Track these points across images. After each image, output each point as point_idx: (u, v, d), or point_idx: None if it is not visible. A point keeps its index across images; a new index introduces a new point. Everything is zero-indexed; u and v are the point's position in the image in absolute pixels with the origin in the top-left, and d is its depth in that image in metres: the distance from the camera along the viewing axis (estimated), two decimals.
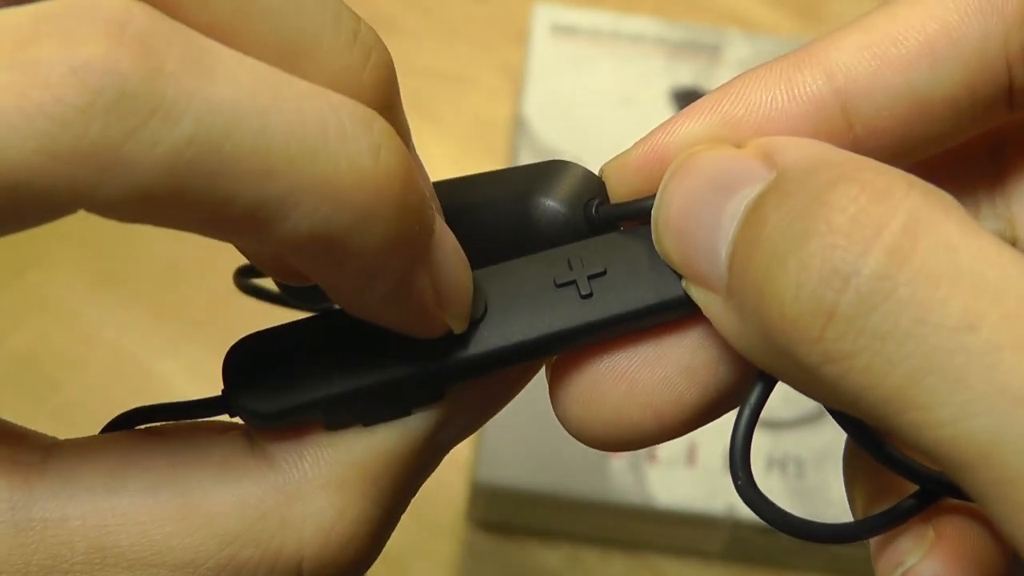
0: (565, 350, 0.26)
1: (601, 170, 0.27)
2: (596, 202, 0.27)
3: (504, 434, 0.53)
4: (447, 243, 0.24)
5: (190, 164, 0.19)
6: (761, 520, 0.25)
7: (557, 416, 0.27)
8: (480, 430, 0.54)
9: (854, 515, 0.27)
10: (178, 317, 0.58)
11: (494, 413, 0.27)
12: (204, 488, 0.24)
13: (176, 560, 0.24)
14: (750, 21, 0.68)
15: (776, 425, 0.54)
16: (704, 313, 0.24)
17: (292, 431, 0.25)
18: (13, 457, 0.24)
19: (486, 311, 0.25)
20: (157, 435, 0.25)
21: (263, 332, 0.26)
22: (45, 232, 0.23)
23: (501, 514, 0.56)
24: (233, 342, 0.25)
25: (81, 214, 0.20)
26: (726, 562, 0.56)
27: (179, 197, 0.20)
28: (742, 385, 0.25)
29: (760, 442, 0.54)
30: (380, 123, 0.21)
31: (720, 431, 0.55)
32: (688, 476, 0.53)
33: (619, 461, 0.54)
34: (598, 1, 0.66)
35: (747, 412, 0.25)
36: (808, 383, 0.22)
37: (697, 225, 0.24)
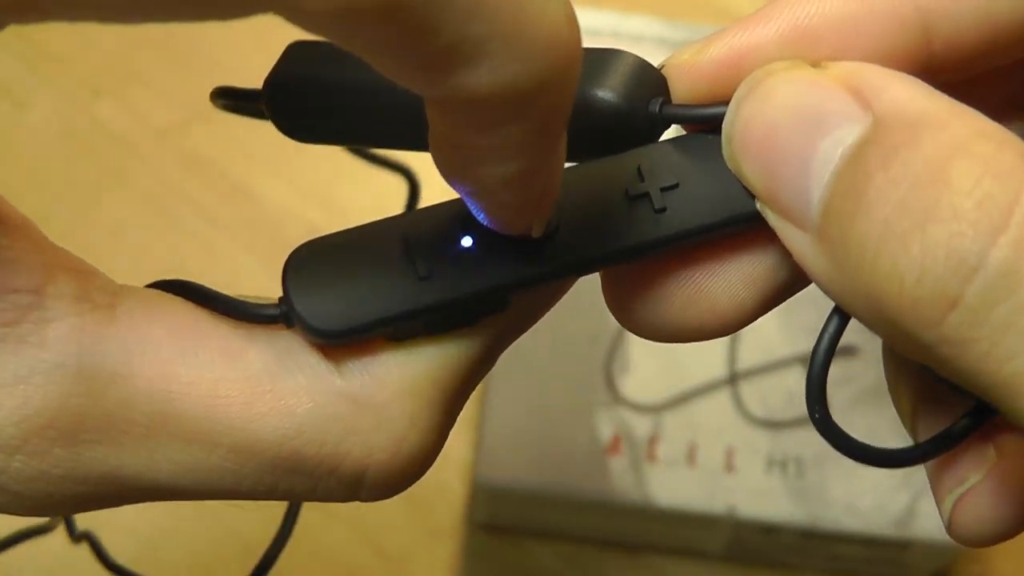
0: (636, 260, 0.26)
1: (662, 66, 0.26)
2: (660, 101, 0.26)
3: (504, 434, 0.53)
4: (565, 139, 0.23)
5: None
6: (830, 444, 0.25)
7: (612, 311, 0.27)
8: (480, 430, 0.54)
9: (909, 432, 0.28)
10: None
11: (547, 311, 0.27)
12: (273, 377, 0.23)
13: (234, 442, 0.23)
14: None
15: (776, 425, 0.54)
16: (780, 238, 0.24)
17: (356, 343, 0.24)
18: (87, 295, 0.22)
19: (558, 220, 0.24)
20: (220, 316, 0.24)
21: (326, 238, 0.25)
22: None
23: (501, 514, 0.56)
24: None
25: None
26: (726, 562, 0.56)
27: (386, 18, 0.19)
28: (796, 280, 0.26)
29: (760, 442, 0.54)
30: (570, 2, 0.21)
31: (720, 431, 0.55)
32: (688, 476, 0.53)
33: (619, 461, 0.54)
34: (598, 1, 0.66)
35: (824, 345, 0.24)
36: (904, 344, 0.22)
37: (783, 159, 0.23)
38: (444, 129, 0.22)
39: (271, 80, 0.28)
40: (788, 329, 0.56)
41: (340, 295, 0.24)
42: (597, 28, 0.63)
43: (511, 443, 0.53)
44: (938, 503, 0.26)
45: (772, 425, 0.54)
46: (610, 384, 0.55)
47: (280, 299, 0.24)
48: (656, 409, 0.55)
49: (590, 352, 0.56)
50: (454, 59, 0.19)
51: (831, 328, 0.24)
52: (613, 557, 0.56)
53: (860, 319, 0.23)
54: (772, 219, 0.24)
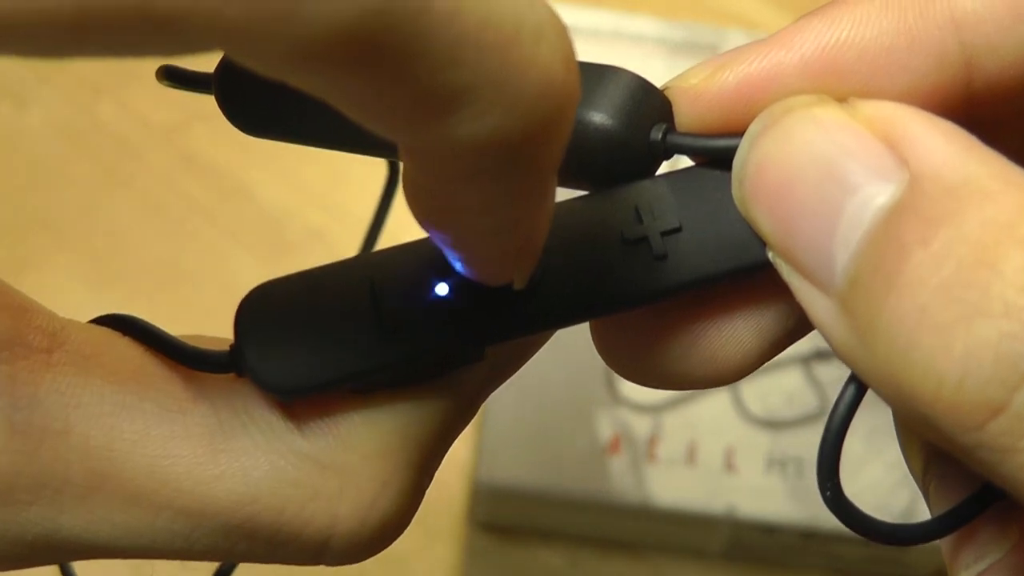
0: (629, 310, 0.23)
1: (666, 88, 0.23)
2: (664, 128, 0.23)
3: (504, 434, 0.53)
4: (555, 186, 0.20)
5: (373, 36, 0.16)
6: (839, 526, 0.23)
7: (601, 355, 0.24)
8: (480, 430, 0.54)
9: (921, 490, 0.26)
10: (178, 318, 0.58)
11: (528, 359, 0.25)
12: (227, 435, 0.21)
13: (183, 505, 0.21)
14: (750, 21, 0.68)
15: (776, 425, 0.54)
16: (795, 295, 0.21)
17: (318, 397, 0.22)
18: (21, 338, 0.20)
19: (544, 266, 0.22)
20: (169, 361, 0.22)
21: (285, 280, 0.22)
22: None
23: (501, 514, 0.56)
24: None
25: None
26: (726, 562, 0.56)
27: (354, 63, 0.16)
28: (804, 324, 0.23)
29: (760, 442, 0.54)
30: (569, 35, 0.18)
31: (720, 431, 0.55)
32: (688, 476, 0.53)
33: (619, 461, 0.54)
34: (598, 1, 0.66)
35: (839, 417, 0.22)
36: (933, 436, 0.20)
37: (803, 215, 0.20)
38: (419, 177, 0.19)
39: (224, 64, 0.25)
40: None
41: (298, 347, 0.21)
42: (597, 28, 0.63)
43: (511, 443, 0.53)
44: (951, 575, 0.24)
45: (772, 425, 0.54)
46: (610, 384, 0.55)
47: (232, 346, 0.22)
48: (656, 409, 0.55)
49: (590, 352, 0.55)
50: (432, 108, 0.17)
51: (847, 398, 0.22)
52: (613, 557, 0.56)
53: (883, 399, 0.20)
54: (787, 273, 0.21)
